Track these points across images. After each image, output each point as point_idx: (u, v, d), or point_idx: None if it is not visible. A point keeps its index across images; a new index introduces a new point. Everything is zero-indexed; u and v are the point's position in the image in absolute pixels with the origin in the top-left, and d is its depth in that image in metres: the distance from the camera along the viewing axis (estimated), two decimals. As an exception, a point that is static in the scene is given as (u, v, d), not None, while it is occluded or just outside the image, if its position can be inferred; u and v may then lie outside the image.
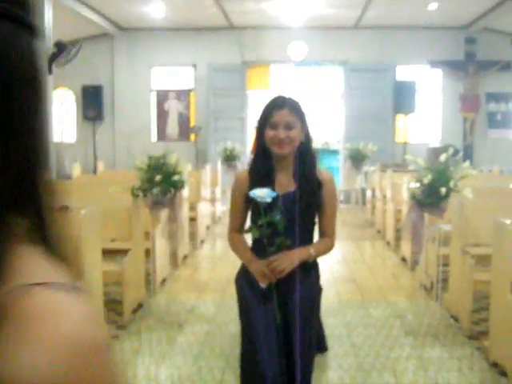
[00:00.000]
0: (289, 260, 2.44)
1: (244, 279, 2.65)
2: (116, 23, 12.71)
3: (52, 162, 9.30)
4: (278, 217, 2.43)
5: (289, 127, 2.44)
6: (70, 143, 13.42)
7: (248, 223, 2.66)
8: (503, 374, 3.77)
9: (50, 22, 9.40)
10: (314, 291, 2.66)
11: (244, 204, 2.60)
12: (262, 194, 2.42)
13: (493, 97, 13.18)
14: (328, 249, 2.66)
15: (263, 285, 2.48)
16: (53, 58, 9.48)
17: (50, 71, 9.52)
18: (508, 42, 10.57)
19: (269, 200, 2.39)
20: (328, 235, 2.67)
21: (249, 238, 2.67)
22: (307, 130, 2.56)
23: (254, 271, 2.51)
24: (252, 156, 2.79)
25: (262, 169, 2.54)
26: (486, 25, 12.34)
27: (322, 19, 12.26)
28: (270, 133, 2.45)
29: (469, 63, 12.86)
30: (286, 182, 2.54)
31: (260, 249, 2.53)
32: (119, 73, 13.34)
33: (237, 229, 2.68)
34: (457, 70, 12.97)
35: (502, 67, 12.76)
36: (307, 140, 2.57)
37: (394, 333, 4.61)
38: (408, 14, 11.82)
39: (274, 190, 2.45)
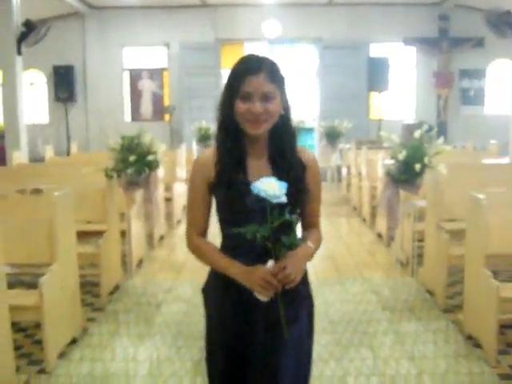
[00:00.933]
0: (297, 264, 1.87)
1: (222, 297, 2.05)
2: (87, 2, 12.48)
3: (25, 144, 9.19)
4: (287, 216, 1.82)
5: (266, 98, 1.87)
6: (43, 125, 13.22)
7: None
8: (477, 345, 3.84)
9: (19, 0, 9.19)
10: (310, 307, 2.13)
11: (208, 197, 2.02)
12: (271, 187, 1.78)
13: (466, 73, 13.27)
14: (320, 243, 2.14)
15: (265, 298, 1.86)
16: (22, 37, 9.30)
17: (20, 52, 9.33)
18: (481, 19, 10.61)
19: (284, 199, 1.76)
20: (316, 226, 2.18)
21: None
22: (286, 100, 1.97)
23: (251, 281, 1.86)
24: (217, 135, 2.07)
25: (231, 151, 1.96)
26: (459, 1, 12.37)
27: (296, -4, 12.17)
28: (241, 106, 1.87)
29: (442, 40, 12.91)
30: (259, 167, 1.98)
31: (241, 254, 1.95)
32: (91, 53, 13.13)
33: (199, 230, 2.05)
34: (430, 46, 13.02)
35: (474, 44, 12.83)
36: (286, 113, 1.99)
37: (370, 308, 4.65)
38: (381, -10, 11.78)
39: (246, 178, 1.93)
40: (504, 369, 3.58)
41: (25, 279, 5.19)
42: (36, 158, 11.04)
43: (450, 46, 12.91)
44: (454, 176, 5.06)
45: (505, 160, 8.07)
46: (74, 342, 3.99)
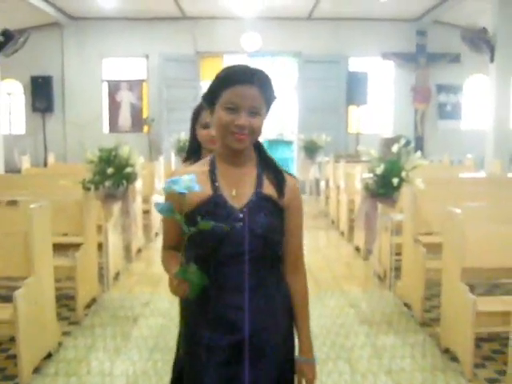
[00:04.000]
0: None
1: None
2: (65, 12, 12.42)
3: (0, 154, 9.07)
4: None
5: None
6: (19, 135, 13.09)
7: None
8: (454, 359, 3.86)
9: (-4, 10, 9.12)
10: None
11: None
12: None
13: (443, 88, 13.45)
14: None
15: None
16: (-1, 47, 9.22)
17: (-3, 61, 9.25)
18: (457, 35, 10.78)
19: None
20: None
21: None
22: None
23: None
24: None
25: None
26: (437, 18, 12.57)
27: (276, 10, 12.26)
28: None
29: (420, 55, 13.08)
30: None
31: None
32: (69, 63, 13.05)
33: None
34: (408, 61, 13.18)
35: (451, 59, 13.03)
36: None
37: (348, 322, 4.66)
38: (360, 6, 11.93)
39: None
40: (480, 382, 3.60)
41: (-1, 292, 5.11)
42: (12, 169, 10.92)
43: (427, 62, 13.09)
44: (430, 190, 5.11)
45: (481, 174, 8.17)
46: (49, 356, 3.92)
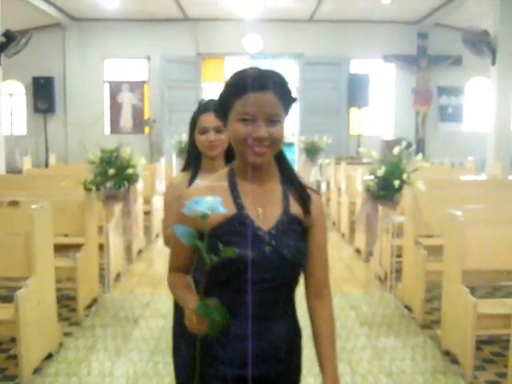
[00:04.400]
0: None
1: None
2: (68, 13, 12.44)
3: (2, 155, 9.09)
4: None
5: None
6: (21, 136, 13.10)
7: None
8: (455, 361, 3.86)
9: (-1, 11, 9.13)
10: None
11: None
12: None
13: (444, 91, 13.45)
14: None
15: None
16: (1, 48, 9.23)
17: (-1, 62, 9.26)
18: (459, 37, 10.79)
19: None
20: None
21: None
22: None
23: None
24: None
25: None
26: (438, 20, 12.58)
27: (277, 12, 12.27)
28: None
29: (421, 58, 13.09)
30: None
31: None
32: (71, 64, 13.07)
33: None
34: (409, 64, 13.19)
35: (452, 62, 13.03)
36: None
37: (349, 323, 4.66)
38: (362, 8, 11.94)
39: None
40: (481, 385, 3.60)
41: (0, 293, 5.12)
42: (13, 170, 10.93)
43: (428, 64, 13.09)
44: (431, 192, 5.11)
45: (482, 177, 8.17)
46: (49, 356, 3.93)
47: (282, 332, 1.64)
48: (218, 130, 2.48)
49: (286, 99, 1.57)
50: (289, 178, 1.67)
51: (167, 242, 2.45)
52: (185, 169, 2.64)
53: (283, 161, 1.68)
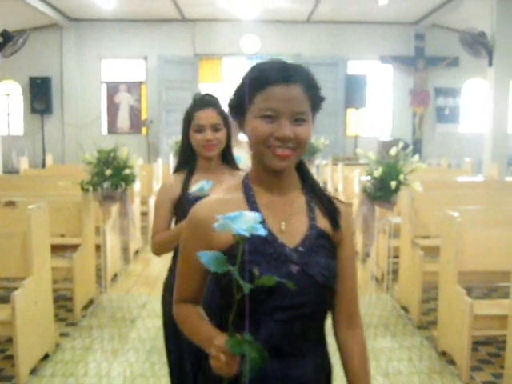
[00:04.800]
0: None
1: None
2: (65, 13, 12.42)
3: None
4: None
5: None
6: (18, 136, 13.08)
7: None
8: (451, 362, 3.87)
9: (-5, 11, 9.13)
10: None
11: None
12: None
13: (441, 92, 13.47)
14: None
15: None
16: (-2, 48, 9.21)
17: (-4, 62, 9.25)
18: (456, 39, 10.81)
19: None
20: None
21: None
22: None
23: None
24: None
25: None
26: (435, 21, 12.59)
27: (275, 13, 12.28)
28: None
29: (418, 59, 13.10)
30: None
31: None
32: (68, 64, 13.05)
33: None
34: (407, 65, 13.20)
35: (449, 63, 13.05)
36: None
37: (345, 324, 4.66)
38: (359, 9, 11.95)
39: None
40: (477, 385, 3.61)
41: (-3, 293, 5.11)
42: (10, 170, 10.92)
43: (425, 65, 13.11)
44: (428, 193, 5.12)
45: (479, 178, 8.19)
46: (46, 357, 3.93)
47: (310, 370, 1.37)
48: (215, 129, 2.33)
49: (314, 97, 1.38)
50: (311, 186, 1.46)
51: (156, 251, 2.40)
52: (178, 169, 2.48)
53: (303, 167, 1.47)
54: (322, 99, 1.43)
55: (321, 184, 1.48)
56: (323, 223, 1.41)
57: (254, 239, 1.21)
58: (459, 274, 3.83)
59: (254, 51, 13.04)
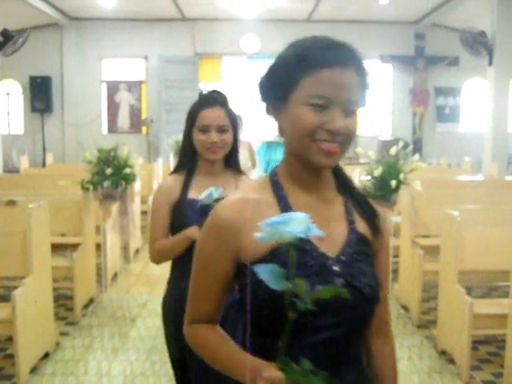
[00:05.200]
0: None
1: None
2: (65, 13, 12.42)
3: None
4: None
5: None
6: (18, 135, 13.07)
7: None
8: (451, 361, 3.88)
9: (-4, 10, 9.13)
10: None
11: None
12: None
13: (441, 91, 13.46)
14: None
15: None
16: (-2, 47, 9.22)
17: (-4, 61, 9.25)
18: (456, 38, 10.81)
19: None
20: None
21: None
22: None
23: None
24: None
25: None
26: (435, 21, 12.59)
27: (275, 12, 12.27)
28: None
29: (418, 58, 13.09)
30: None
31: None
32: (68, 64, 13.05)
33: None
34: (406, 64, 13.19)
35: (450, 62, 13.04)
36: None
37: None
38: (359, 8, 11.94)
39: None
40: (477, 384, 3.61)
41: (-3, 292, 5.11)
42: (10, 169, 10.92)
43: (425, 64, 13.10)
44: (428, 193, 5.12)
45: (479, 177, 8.19)
46: (46, 356, 3.93)
47: None
48: (221, 130, 2.15)
49: (364, 84, 1.18)
50: (346, 186, 1.30)
51: (156, 259, 2.31)
52: (177, 170, 2.30)
53: (337, 165, 1.29)
54: (368, 87, 1.21)
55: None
56: (363, 227, 1.25)
57: (277, 250, 1.09)
58: (459, 273, 3.83)
59: (255, 51, 13.04)
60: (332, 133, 1.12)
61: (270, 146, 15.09)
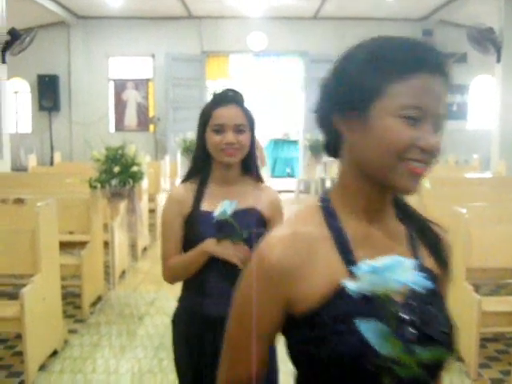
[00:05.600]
0: None
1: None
2: (72, 11, 12.45)
3: (7, 152, 9.12)
4: None
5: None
6: (26, 134, 13.13)
7: None
8: (459, 359, 3.86)
9: (4, 9, 9.16)
10: None
11: None
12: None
13: (449, 88, 13.40)
14: None
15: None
16: (6, 46, 9.25)
17: (4, 60, 9.29)
18: (463, 35, 10.76)
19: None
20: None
21: None
22: None
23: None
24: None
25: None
26: (443, 17, 12.54)
27: (282, 9, 12.26)
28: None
29: (425, 55, 13.05)
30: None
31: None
32: (76, 62, 13.08)
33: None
34: (414, 61, 13.15)
35: (457, 59, 12.98)
36: None
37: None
38: (366, 5, 11.91)
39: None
40: (485, 382, 3.60)
41: (6, 290, 5.14)
42: (18, 168, 10.97)
43: (433, 61, 13.06)
44: (436, 190, 5.11)
45: (487, 174, 8.16)
46: (54, 353, 3.95)
47: None
48: (238, 130, 1.94)
49: (447, 95, 1.03)
50: (406, 212, 1.13)
51: (169, 278, 2.06)
52: (189, 177, 2.07)
53: None
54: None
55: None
56: (429, 261, 1.07)
57: (350, 297, 0.87)
58: (467, 270, 3.82)
59: (261, 48, 13.03)
60: (425, 151, 0.94)
61: (276, 144, 15.12)
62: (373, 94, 0.94)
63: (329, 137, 1.08)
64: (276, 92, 14.44)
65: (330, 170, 10.70)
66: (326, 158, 11.45)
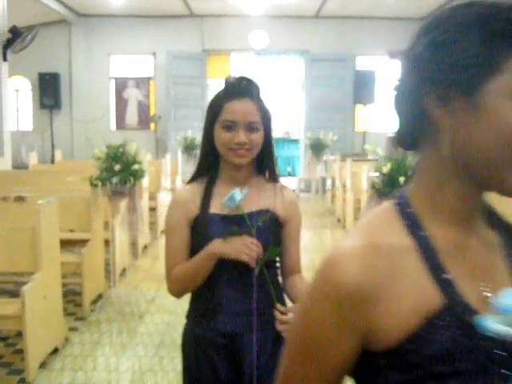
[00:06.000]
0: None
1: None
2: (73, 9, 12.45)
3: (8, 150, 9.13)
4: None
5: None
6: (27, 131, 13.13)
7: None
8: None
9: (5, 7, 9.16)
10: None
11: None
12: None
13: (450, 87, 13.40)
14: None
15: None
16: (7, 44, 9.25)
17: (5, 58, 9.29)
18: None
19: None
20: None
21: None
22: None
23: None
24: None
25: None
26: (444, 16, 12.53)
27: (283, 8, 12.26)
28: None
29: (427, 54, 13.04)
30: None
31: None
32: (77, 60, 13.09)
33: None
34: (415, 60, 13.14)
35: (458, 58, 12.98)
36: None
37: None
38: (368, 4, 11.91)
39: None
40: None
41: (7, 288, 5.14)
42: (19, 166, 10.97)
43: (434, 60, 13.05)
44: None
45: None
46: (55, 351, 3.95)
47: None
48: (251, 128, 1.70)
49: None
50: (493, 216, 0.97)
51: (175, 291, 1.94)
52: (195, 177, 1.88)
53: None
54: None
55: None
56: None
57: (446, 329, 0.73)
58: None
59: (263, 47, 13.03)
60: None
61: (277, 142, 15.11)
62: (486, 72, 0.74)
63: (411, 124, 0.92)
64: (277, 90, 14.43)
65: (330, 168, 10.71)
66: (326, 157, 11.46)
